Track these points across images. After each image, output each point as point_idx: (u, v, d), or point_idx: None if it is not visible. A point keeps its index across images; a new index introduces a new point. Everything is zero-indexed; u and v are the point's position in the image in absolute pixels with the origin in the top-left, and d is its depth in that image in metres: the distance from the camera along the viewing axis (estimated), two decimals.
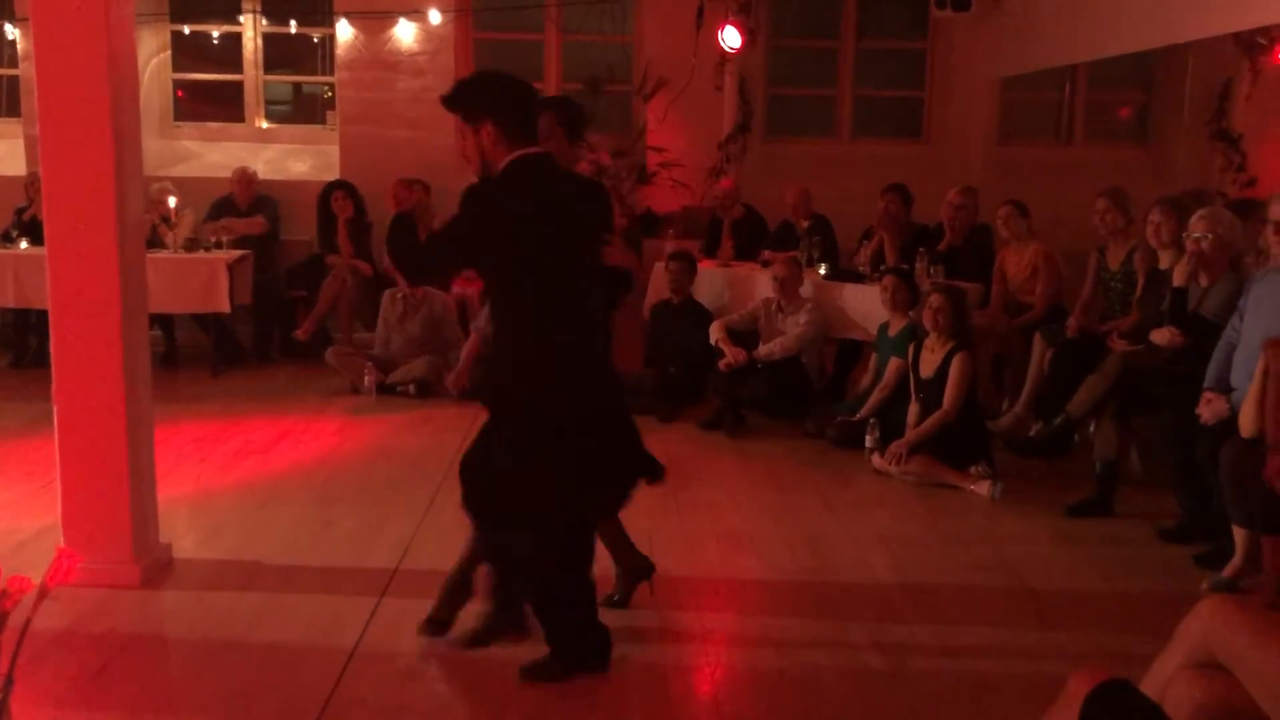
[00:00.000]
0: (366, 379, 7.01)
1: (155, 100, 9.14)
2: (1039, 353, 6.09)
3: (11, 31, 8.80)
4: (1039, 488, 5.34)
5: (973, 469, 5.31)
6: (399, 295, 7.37)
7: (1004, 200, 6.79)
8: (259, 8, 9.18)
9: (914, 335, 5.84)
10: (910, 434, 5.48)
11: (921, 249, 6.81)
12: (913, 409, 5.61)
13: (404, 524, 4.65)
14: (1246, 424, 3.98)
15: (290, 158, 9.28)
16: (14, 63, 8.79)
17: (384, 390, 7.05)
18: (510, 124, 3.14)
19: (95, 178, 3.74)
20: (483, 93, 3.18)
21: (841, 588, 4.11)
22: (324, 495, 5.09)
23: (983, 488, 5.22)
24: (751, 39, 8.53)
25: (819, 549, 4.49)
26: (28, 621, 2.02)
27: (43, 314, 7.26)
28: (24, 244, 7.53)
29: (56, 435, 3.88)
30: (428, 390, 7.06)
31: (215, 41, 9.41)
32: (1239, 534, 4.06)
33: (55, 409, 3.86)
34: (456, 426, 5.92)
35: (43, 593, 2.07)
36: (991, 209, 7.10)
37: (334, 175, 8.61)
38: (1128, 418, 4.96)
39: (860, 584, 4.15)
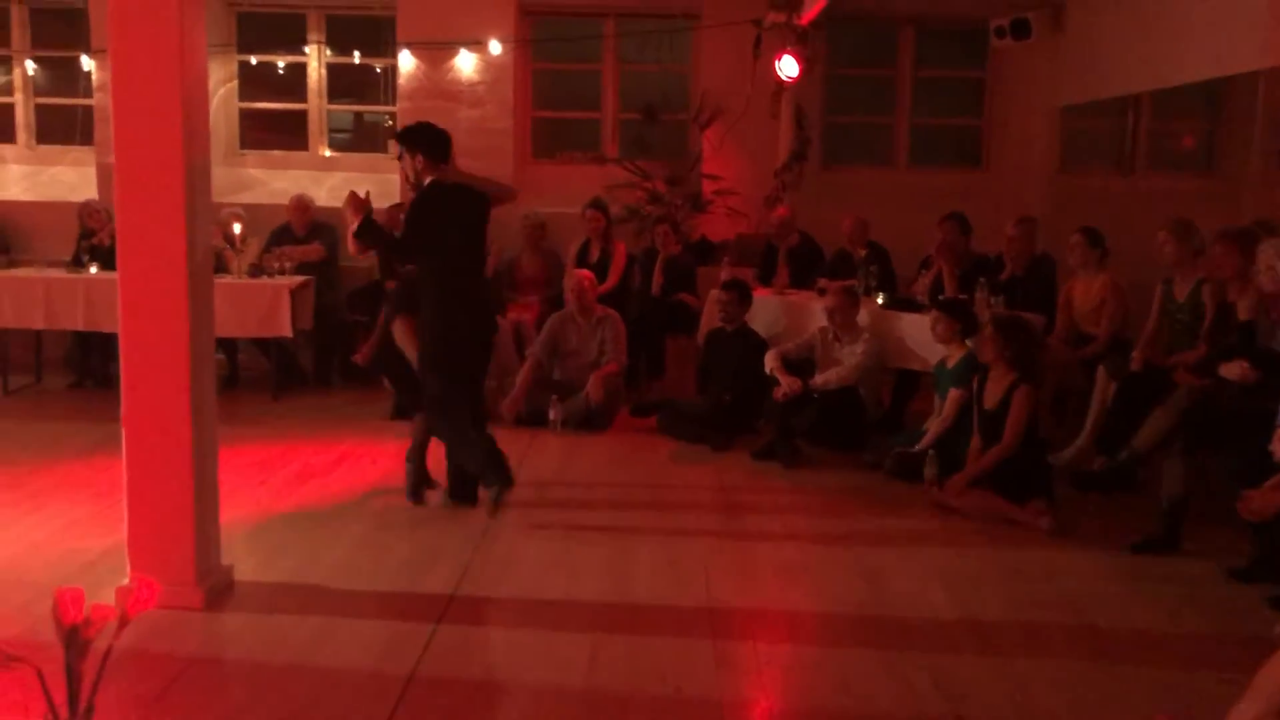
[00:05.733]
0: None
1: (222, 128, 9.35)
2: (1102, 385, 5.99)
3: (88, 63, 9.07)
4: (1102, 523, 5.23)
5: (1032, 503, 5.21)
6: None
7: (1073, 229, 6.68)
8: (324, 39, 9.37)
9: (975, 366, 5.76)
10: (970, 467, 5.40)
11: (981, 279, 6.73)
12: (975, 442, 5.53)
13: (460, 549, 4.68)
14: None
15: (352, 185, 9.38)
16: (89, 93, 9.04)
17: None
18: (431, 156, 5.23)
19: (168, 206, 3.82)
20: (416, 133, 5.32)
21: (900, 622, 4.05)
22: (381, 519, 5.13)
23: (1043, 522, 5.13)
24: (809, 68, 8.53)
25: (877, 582, 4.43)
26: (109, 649, 2.04)
27: (105, 336, 7.48)
28: (94, 269, 7.73)
29: (125, 457, 3.95)
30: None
31: (281, 72, 9.62)
32: None
33: (124, 431, 3.93)
34: (511, 450, 5.93)
35: (123, 621, 2.09)
36: (1052, 239, 7.00)
37: (395, 202, 8.70)
38: (1196, 453, 4.86)
39: (919, 619, 4.08)
